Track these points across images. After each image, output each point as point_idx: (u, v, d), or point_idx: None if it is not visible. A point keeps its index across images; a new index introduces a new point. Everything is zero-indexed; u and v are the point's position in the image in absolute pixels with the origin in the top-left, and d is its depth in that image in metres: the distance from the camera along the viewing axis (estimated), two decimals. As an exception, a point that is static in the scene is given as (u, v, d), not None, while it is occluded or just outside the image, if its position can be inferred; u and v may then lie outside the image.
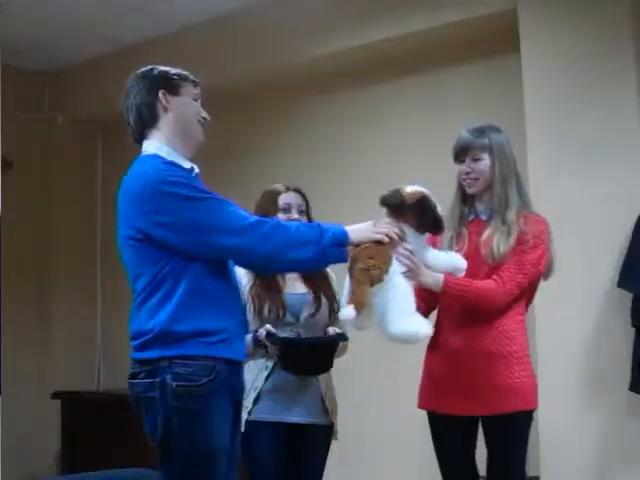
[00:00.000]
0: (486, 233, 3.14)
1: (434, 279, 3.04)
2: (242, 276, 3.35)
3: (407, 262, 2.95)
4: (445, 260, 3.06)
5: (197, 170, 2.94)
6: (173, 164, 2.80)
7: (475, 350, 3.08)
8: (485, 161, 3.16)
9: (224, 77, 5.69)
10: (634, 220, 4.03)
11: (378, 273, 2.89)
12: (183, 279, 2.71)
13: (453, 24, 4.73)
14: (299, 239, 2.75)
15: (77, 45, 6.02)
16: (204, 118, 2.96)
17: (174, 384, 2.64)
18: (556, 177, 4.30)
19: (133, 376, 2.75)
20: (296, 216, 3.45)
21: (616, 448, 4.09)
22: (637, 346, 3.98)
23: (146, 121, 2.87)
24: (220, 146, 5.95)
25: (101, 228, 6.59)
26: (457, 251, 3.13)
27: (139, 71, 2.92)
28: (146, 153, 2.87)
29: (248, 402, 3.36)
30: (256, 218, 2.78)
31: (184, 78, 2.92)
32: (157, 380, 2.66)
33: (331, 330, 3.41)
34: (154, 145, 2.86)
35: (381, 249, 2.91)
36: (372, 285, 2.89)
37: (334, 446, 3.55)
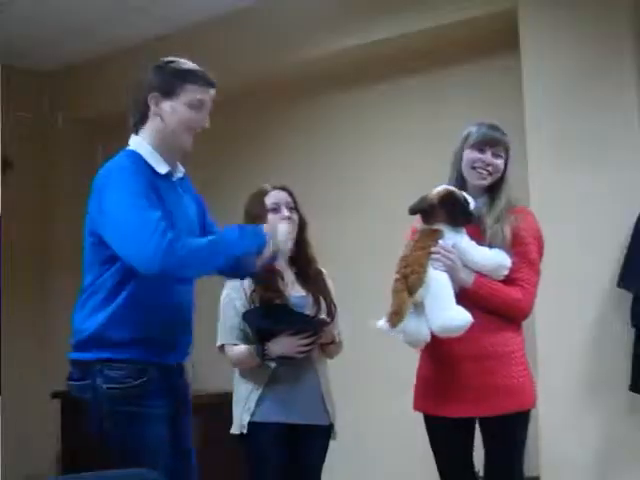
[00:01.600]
0: (483, 228, 3.13)
1: (467, 275, 3.06)
2: (236, 289, 3.42)
3: (444, 259, 3.00)
4: (490, 256, 3.08)
5: (180, 175, 2.91)
6: (140, 164, 2.76)
7: (471, 351, 3.07)
8: (502, 160, 3.18)
9: (224, 77, 5.67)
10: (634, 220, 4.03)
11: (417, 277, 2.98)
12: (126, 284, 2.70)
13: (453, 24, 4.73)
14: (206, 258, 2.69)
15: (78, 45, 6.01)
16: (198, 126, 2.86)
17: (105, 386, 2.65)
18: (556, 177, 4.30)
19: (69, 377, 2.77)
20: (287, 214, 3.44)
21: (616, 448, 4.09)
22: (637, 346, 3.98)
23: (136, 117, 2.86)
24: (218, 149, 5.98)
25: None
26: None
27: (157, 62, 2.90)
28: (127, 147, 2.85)
29: (250, 404, 3.38)
30: (165, 247, 2.57)
31: (190, 79, 2.82)
32: (89, 382, 2.67)
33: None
34: (136, 141, 2.84)
35: (415, 255, 3.00)
36: (414, 291, 2.97)
37: (334, 446, 3.57)
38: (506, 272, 3.08)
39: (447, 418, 3.11)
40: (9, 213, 5.01)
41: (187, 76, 2.82)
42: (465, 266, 3.06)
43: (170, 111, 2.79)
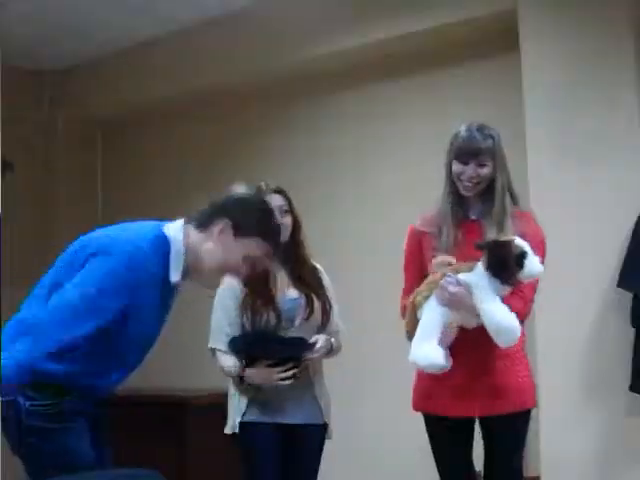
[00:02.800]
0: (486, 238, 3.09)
1: (470, 319, 2.99)
2: (231, 288, 3.41)
3: (443, 292, 2.94)
4: (498, 319, 2.91)
5: (179, 287, 2.78)
6: (159, 255, 2.64)
7: (473, 351, 3.06)
8: (489, 167, 3.09)
9: (224, 77, 5.70)
10: (634, 220, 4.03)
11: (419, 299, 3.01)
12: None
13: (453, 24, 4.74)
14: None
15: (78, 45, 6.01)
16: (232, 273, 2.80)
17: (27, 404, 2.60)
18: (556, 177, 4.30)
19: None
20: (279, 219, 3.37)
21: (616, 448, 4.09)
22: (637, 346, 3.98)
23: (204, 216, 2.72)
24: (219, 147, 5.99)
25: (101, 228, 6.58)
26: (457, 255, 3.07)
27: (251, 197, 2.92)
28: (166, 227, 2.71)
29: (242, 404, 3.40)
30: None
31: (264, 236, 2.71)
32: (11, 399, 2.59)
33: (316, 338, 3.45)
34: (178, 230, 2.70)
35: (432, 278, 3.02)
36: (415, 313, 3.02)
37: (331, 446, 3.57)
38: (508, 345, 2.95)
39: (448, 418, 3.11)
40: (9, 214, 4.99)
41: (264, 230, 2.73)
42: None
43: (224, 248, 2.68)
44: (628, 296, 4.01)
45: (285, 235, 3.35)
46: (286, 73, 5.57)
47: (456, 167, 3.10)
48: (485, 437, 3.17)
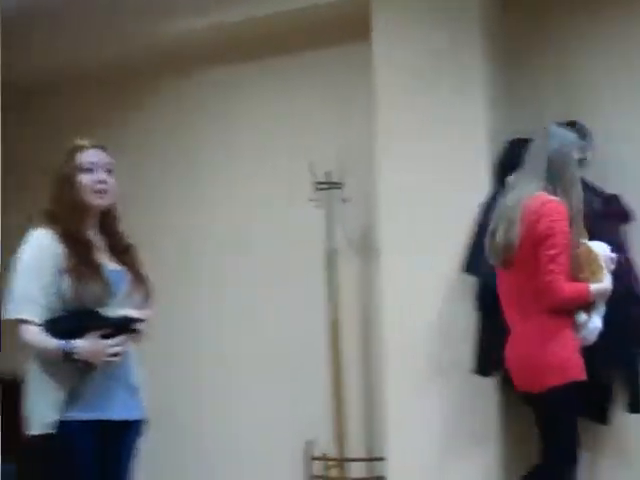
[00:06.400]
0: None
1: None
2: (48, 245, 3.11)
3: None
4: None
5: None
6: None
7: None
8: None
9: (78, 58, 5.47)
10: (478, 207, 4.13)
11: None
12: None
13: (307, 9, 4.72)
14: None
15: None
16: None
17: None
18: (404, 165, 4.37)
19: None
20: (104, 176, 3.17)
21: (460, 428, 4.20)
22: (480, 330, 4.10)
23: None
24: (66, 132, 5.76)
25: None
26: None
27: None
28: None
29: (57, 398, 3.08)
30: None
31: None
32: None
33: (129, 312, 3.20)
34: None
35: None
36: None
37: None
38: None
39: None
40: None
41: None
42: None
43: None
44: (473, 281, 4.11)
45: (113, 195, 3.19)
46: (139, 54, 5.39)
47: None
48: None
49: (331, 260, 4.80)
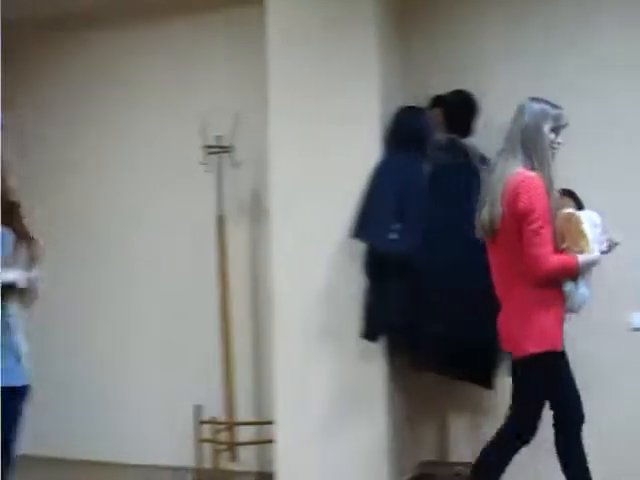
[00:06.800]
0: None
1: None
2: None
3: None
4: None
5: None
6: None
7: None
8: None
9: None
10: (368, 173, 4.16)
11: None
12: None
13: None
14: None
15: None
16: None
17: None
18: (295, 131, 4.36)
19: None
20: None
21: (349, 391, 4.26)
22: (366, 295, 4.15)
23: None
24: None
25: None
26: None
27: None
28: None
29: None
30: None
31: None
32: None
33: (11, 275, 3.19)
34: None
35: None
36: None
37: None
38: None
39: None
40: None
41: None
42: None
43: None
44: (361, 246, 4.14)
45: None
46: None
47: (550, 136, 3.45)
48: None
49: (221, 225, 4.77)
